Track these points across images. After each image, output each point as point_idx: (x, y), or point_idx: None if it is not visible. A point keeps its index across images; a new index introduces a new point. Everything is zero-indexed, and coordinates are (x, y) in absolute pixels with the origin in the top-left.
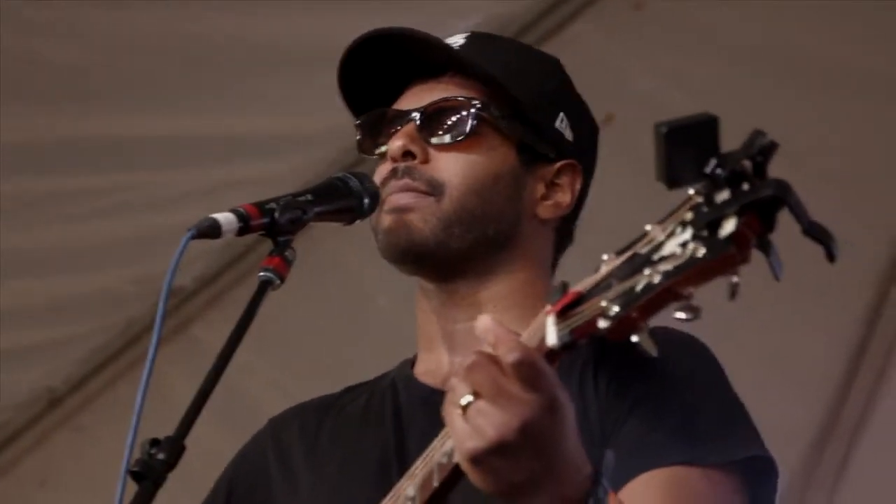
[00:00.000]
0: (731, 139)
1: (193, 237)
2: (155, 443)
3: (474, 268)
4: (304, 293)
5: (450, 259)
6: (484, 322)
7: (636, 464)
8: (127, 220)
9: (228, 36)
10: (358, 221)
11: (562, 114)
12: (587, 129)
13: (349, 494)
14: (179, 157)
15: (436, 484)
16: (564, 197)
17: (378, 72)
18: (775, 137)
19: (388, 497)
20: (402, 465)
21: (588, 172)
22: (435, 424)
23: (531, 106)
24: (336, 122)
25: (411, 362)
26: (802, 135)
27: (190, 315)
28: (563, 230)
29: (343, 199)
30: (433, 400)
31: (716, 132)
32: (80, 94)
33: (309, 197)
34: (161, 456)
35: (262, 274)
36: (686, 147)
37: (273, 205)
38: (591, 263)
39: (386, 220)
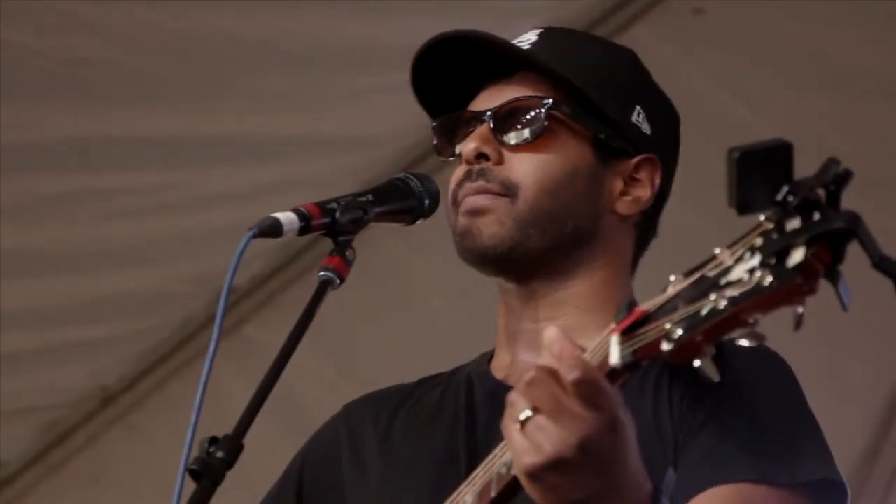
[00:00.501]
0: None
1: (255, 236)
2: (213, 441)
3: (554, 267)
4: (358, 293)
5: (528, 259)
6: (551, 333)
7: (704, 477)
8: (181, 219)
9: (274, 36)
10: (419, 222)
11: (638, 107)
12: (666, 121)
13: (417, 488)
14: (235, 155)
15: (493, 494)
16: (644, 192)
17: (452, 73)
18: (836, 149)
19: (448, 501)
20: (471, 459)
21: (669, 165)
22: (497, 415)
23: (604, 101)
24: (384, 123)
25: (489, 356)
26: (862, 145)
27: (243, 314)
28: (645, 225)
29: (404, 199)
30: (499, 393)
31: (789, 158)
32: (130, 94)
33: (370, 197)
34: (220, 454)
35: (322, 274)
36: (758, 172)
37: (334, 204)
38: (641, 265)
39: (462, 222)
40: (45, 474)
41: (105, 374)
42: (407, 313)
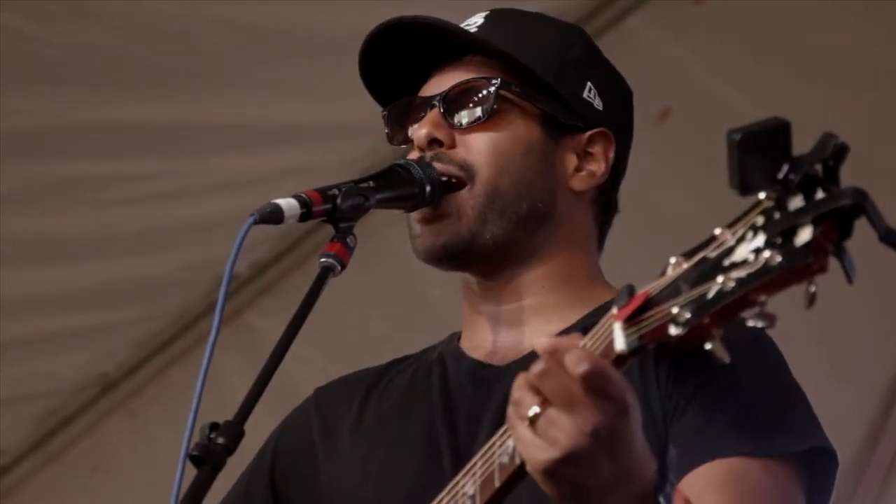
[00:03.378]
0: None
1: (256, 223)
2: (214, 427)
3: (514, 253)
4: (357, 283)
5: (487, 250)
6: (542, 342)
7: (697, 454)
8: (181, 206)
9: (275, 25)
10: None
11: (589, 83)
12: (618, 95)
13: (400, 467)
14: (233, 143)
15: (497, 485)
16: (598, 166)
17: (401, 59)
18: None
19: (444, 492)
20: (452, 436)
21: (623, 139)
22: (480, 395)
23: (554, 79)
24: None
25: (458, 335)
26: (861, 135)
27: (243, 302)
28: (603, 200)
29: (405, 186)
30: (479, 373)
31: (788, 137)
32: (129, 81)
33: (371, 184)
34: (221, 440)
35: (323, 260)
36: (758, 153)
37: (335, 191)
38: (643, 254)
39: (416, 226)
40: (44, 462)
41: (105, 361)
42: (405, 302)
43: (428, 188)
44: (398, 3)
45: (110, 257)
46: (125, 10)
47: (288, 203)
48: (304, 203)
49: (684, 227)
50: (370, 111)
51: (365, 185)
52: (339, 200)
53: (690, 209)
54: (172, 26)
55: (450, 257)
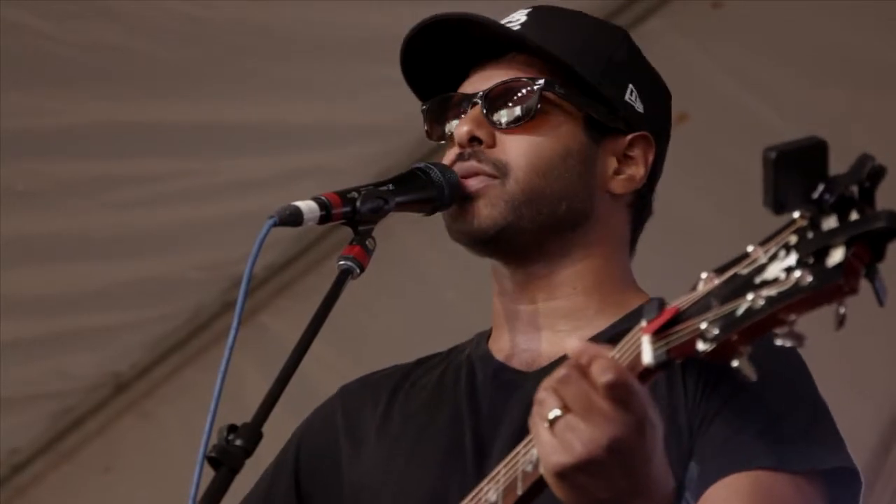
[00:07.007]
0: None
1: (275, 224)
2: (233, 429)
3: (549, 248)
4: (372, 285)
5: (521, 241)
6: (574, 345)
7: (722, 465)
8: (196, 207)
9: (291, 25)
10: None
11: (631, 86)
12: (658, 98)
13: (423, 469)
14: (248, 144)
15: (520, 493)
16: (638, 170)
17: (442, 55)
18: (855, 144)
19: (467, 498)
20: (476, 440)
21: (661, 143)
22: (504, 399)
23: (598, 81)
24: (401, 112)
25: (487, 336)
26: (881, 140)
27: (259, 303)
28: (639, 205)
29: (424, 189)
30: (505, 377)
31: (825, 157)
32: (144, 81)
33: (390, 187)
34: (239, 442)
35: (342, 263)
36: (794, 172)
37: (354, 193)
38: (659, 257)
39: (454, 208)
40: (56, 462)
41: (118, 361)
42: (421, 305)
43: (447, 192)
44: (417, 3)
45: (124, 257)
46: (143, 10)
47: (307, 205)
48: (323, 205)
49: (701, 230)
50: (388, 112)
51: (384, 187)
52: (358, 203)
53: (707, 212)
54: (188, 26)
55: (482, 243)
